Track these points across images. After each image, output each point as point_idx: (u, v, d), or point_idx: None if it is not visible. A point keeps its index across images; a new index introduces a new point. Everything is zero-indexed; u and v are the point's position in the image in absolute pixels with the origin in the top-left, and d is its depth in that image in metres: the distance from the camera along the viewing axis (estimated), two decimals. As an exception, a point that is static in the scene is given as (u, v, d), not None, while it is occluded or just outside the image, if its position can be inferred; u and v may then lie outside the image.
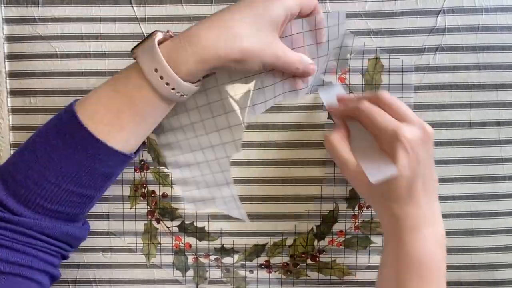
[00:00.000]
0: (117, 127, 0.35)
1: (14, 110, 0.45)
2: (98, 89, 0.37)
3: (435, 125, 0.44)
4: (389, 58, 0.43)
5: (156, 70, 0.34)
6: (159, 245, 0.47)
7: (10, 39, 0.44)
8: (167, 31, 0.37)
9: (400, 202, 0.37)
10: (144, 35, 0.44)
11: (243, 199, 0.46)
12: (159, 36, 0.35)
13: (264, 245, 0.47)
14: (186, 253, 0.47)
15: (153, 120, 0.38)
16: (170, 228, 0.46)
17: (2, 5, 0.44)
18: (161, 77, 0.34)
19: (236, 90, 0.41)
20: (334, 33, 0.41)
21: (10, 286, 0.34)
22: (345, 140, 0.39)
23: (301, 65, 0.39)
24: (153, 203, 0.46)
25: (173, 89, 0.35)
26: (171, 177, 0.45)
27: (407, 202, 0.36)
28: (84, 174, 0.35)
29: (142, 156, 0.45)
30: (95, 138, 0.35)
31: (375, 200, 0.39)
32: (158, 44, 0.35)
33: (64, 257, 0.39)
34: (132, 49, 0.36)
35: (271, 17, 0.36)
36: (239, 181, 0.45)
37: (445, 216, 0.45)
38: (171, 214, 0.46)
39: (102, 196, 0.45)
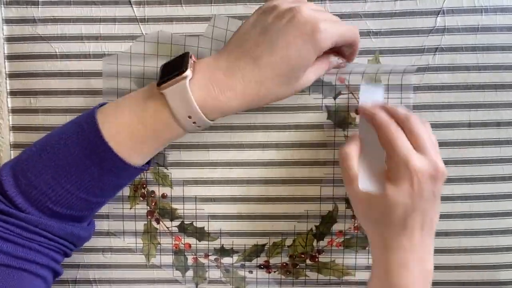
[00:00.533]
0: (138, 151, 0.36)
1: (14, 111, 0.45)
2: (123, 110, 0.36)
3: (435, 126, 0.44)
4: (389, 57, 0.43)
5: (189, 117, 0.35)
6: (159, 245, 0.47)
7: (10, 39, 0.44)
8: (190, 56, 0.35)
9: (393, 230, 0.36)
10: (144, 35, 0.44)
11: (243, 199, 0.46)
12: (189, 76, 0.34)
13: (263, 245, 0.47)
14: (185, 253, 0.47)
15: (170, 142, 0.39)
16: (170, 228, 0.47)
17: (2, 5, 0.44)
18: (194, 122, 0.35)
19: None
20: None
21: (17, 280, 0.34)
22: (357, 153, 0.39)
23: (330, 68, 0.39)
24: (153, 204, 0.46)
25: (198, 126, 0.36)
26: (171, 178, 0.46)
27: (400, 232, 0.36)
28: (99, 184, 0.36)
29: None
30: (118, 156, 0.35)
31: (370, 224, 0.39)
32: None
33: (67, 255, 0.40)
34: (159, 84, 0.35)
35: (304, 67, 0.35)
36: (238, 182, 0.45)
37: (445, 216, 0.45)
38: (171, 214, 0.46)
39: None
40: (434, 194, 0.36)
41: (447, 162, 0.44)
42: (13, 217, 0.35)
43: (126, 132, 0.35)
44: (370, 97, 0.41)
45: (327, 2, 0.43)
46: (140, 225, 0.46)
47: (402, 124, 0.37)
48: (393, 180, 0.36)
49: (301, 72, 0.36)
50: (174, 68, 0.35)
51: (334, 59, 0.38)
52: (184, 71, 0.34)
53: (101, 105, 0.38)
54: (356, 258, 0.46)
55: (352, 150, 0.39)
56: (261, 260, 0.47)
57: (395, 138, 0.36)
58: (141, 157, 0.37)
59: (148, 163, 0.39)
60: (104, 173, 0.36)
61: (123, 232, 0.47)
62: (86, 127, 0.36)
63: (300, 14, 0.34)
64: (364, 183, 0.37)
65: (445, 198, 0.45)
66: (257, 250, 0.47)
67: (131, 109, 0.36)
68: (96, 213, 0.45)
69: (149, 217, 0.46)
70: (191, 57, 0.35)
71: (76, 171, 0.35)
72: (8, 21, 0.44)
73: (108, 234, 0.47)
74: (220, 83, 0.35)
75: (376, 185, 0.37)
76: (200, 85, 0.34)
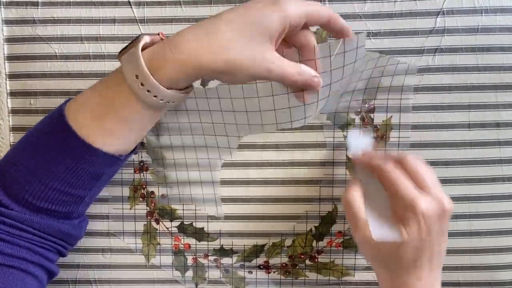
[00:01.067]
0: (99, 130, 0.34)
1: (14, 111, 0.45)
2: (85, 91, 0.36)
3: (434, 127, 0.44)
4: (394, 61, 0.43)
5: (137, 77, 0.32)
6: (159, 246, 0.47)
7: (10, 40, 0.44)
8: (159, 33, 0.35)
9: (404, 269, 0.37)
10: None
11: (242, 200, 0.46)
12: (145, 39, 0.33)
13: (263, 245, 0.47)
14: (185, 254, 0.47)
15: (140, 126, 0.36)
16: (170, 229, 0.47)
17: (2, 6, 0.44)
18: (142, 84, 0.32)
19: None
20: (351, 57, 0.38)
21: (5, 277, 0.34)
22: (361, 199, 0.38)
23: (300, 78, 0.34)
24: (153, 204, 0.46)
25: (155, 96, 0.33)
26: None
27: (410, 271, 0.37)
28: (72, 174, 0.35)
29: (142, 157, 0.46)
30: (80, 139, 0.34)
31: (379, 265, 0.39)
32: (144, 49, 0.33)
33: (62, 254, 0.40)
34: (119, 52, 0.34)
35: (265, 27, 0.32)
36: (238, 182, 0.46)
37: (444, 217, 0.45)
38: (170, 214, 0.46)
39: (102, 196, 0.45)
40: (442, 231, 0.36)
41: (446, 163, 0.44)
42: None
43: (87, 110, 0.34)
44: (359, 143, 0.41)
45: (326, 2, 0.43)
46: (140, 226, 0.47)
47: (401, 165, 0.37)
48: (400, 223, 0.36)
49: (260, 35, 0.32)
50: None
51: (307, 69, 0.35)
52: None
53: None
54: (355, 258, 0.46)
55: (356, 197, 0.38)
56: (260, 260, 0.47)
57: (397, 181, 0.36)
58: (109, 139, 0.35)
59: (128, 154, 0.38)
60: (74, 161, 0.35)
61: (123, 232, 0.47)
62: (55, 115, 0.35)
63: None
64: (378, 233, 0.36)
65: (444, 199, 0.45)
66: (256, 251, 0.47)
67: (92, 88, 0.36)
68: (96, 214, 0.46)
69: (148, 217, 0.46)
70: (159, 34, 0.35)
71: (48, 161, 0.35)
72: (8, 22, 0.44)
73: (108, 234, 0.47)
74: (171, 42, 0.32)
75: (390, 233, 0.36)
76: (155, 47, 0.33)
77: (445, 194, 0.36)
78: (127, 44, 0.34)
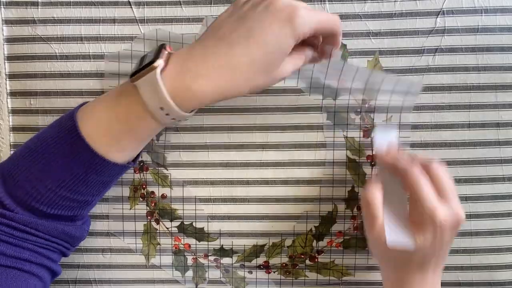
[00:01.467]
0: (116, 148, 0.35)
1: (14, 111, 0.45)
2: (99, 107, 0.36)
3: (435, 126, 0.44)
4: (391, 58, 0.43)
5: (162, 108, 0.34)
6: (159, 246, 0.47)
7: (10, 40, 0.44)
8: (164, 47, 0.34)
9: (410, 269, 0.38)
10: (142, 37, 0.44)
11: (242, 200, 0.46)
12: (161, 66, 0.33)
13: (263, 245, 0.47)
14: (185, 254, 0.47)
15: (150, 138, 0.38)
16: (170, 229, 0.47)
17: (2, 6, 0.44)
18: (167, 114, 0.34)
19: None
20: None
21: (9, 279, 0.35)
22: (381, 198, 0.38)
23: (306, 62, 0.38)
24: (153, 204, 0.46)
25: (173, 118, 0.35)
26: (171, 178, 0.46)
27: (415, 271, 0.38)
28: (81, 183, 0.36)
29: (142, 157, 0.45)
30: (94, 152, 0.34)
31: (386, 262, 0.40)
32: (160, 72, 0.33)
33: (64, 254, 0.40)
34: (131, 75, 0.34)
35: (283, 53, 0.34)
36: (238, 182, 0.46)
37: (444, 217, 0.45)
38: (170, 214, 0.46)
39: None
40: (452, 239, 0.38)
41: (446, 163, 0.44)
42: (3, 217, 0.35)
43: (102, 129, 0.35)
44: (385, 138, 0.41)
45: (326, 2, 0.43)
46: (140, 226, 0.47)
47: (425, 169, 0.37)
48: (417, 228, 0.37)
49: (279, 60, 0.35)
50: (149, 59, 0.34)
51: (310, 53, 0.38)
52: (154, 62, 0.33)
53: (84, 103, 0.37)
54: (355, 258, 0.46)
55: (377, 195, 0.38)
56: (260, 260, 0.47)
57: (421, 187, 0.36)
58: (122, 154, 0.36)
59: (134, 160, 0.39)
60: (85, 171, 0.35)
61: (123, 232, 0.47)
62: (66, 126, 0.35)
63: (276, 1, 0.34)
64: (392, 238, 0.36)
65: (444, 199, 0.45)
66: (256, 251, 0.47)
67: (106, 105, 0.36)
68: (96, 214, 0.46)
69: (148, 217, 0.46)
70: (165, 48, 0.35)
71: (57, 170, 0.35)
72: (8, 22, 0.44)
73: (108, 234, 0.47)
74: (193, 71, 0.33)
75: (403, 239, 0.37)
76: (172, 75, 0.33)
77: (460, 205, 0.37)
78: (139, 66, 0.34)
